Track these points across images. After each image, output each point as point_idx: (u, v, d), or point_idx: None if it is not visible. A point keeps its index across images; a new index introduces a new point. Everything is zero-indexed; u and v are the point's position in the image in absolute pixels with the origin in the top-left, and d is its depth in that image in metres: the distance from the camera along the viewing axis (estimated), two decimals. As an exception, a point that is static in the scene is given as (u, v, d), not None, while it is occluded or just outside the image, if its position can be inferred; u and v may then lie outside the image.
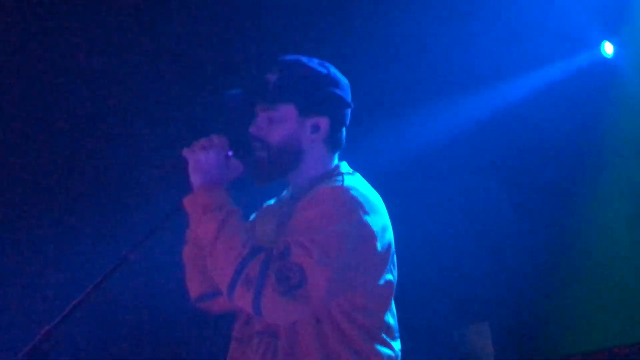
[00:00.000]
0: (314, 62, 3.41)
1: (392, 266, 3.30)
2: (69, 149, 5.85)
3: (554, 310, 6.66)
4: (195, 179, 3.27)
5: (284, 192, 3.54)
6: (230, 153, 3.33)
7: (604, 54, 6.52)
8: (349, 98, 3.45)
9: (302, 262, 3.06)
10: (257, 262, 3.08)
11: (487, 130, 6.62)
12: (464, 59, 6.41)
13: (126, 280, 5.21)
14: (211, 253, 3.16)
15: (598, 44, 6.54)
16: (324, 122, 3.38)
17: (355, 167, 3.49)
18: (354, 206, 3.18)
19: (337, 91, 3.41)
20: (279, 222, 3.36)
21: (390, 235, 3.29)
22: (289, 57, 3.41)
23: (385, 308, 3.27)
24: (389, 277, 3.28)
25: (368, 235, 3.18)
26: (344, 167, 3.44)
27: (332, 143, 3.43)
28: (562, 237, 6.73)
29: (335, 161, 3.44)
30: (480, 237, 6.84)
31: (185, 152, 3.31)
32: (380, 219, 3.24)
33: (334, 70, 3.45)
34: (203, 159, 3.27)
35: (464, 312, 6.73)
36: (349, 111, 3.48)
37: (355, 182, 3.30)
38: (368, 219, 3.18)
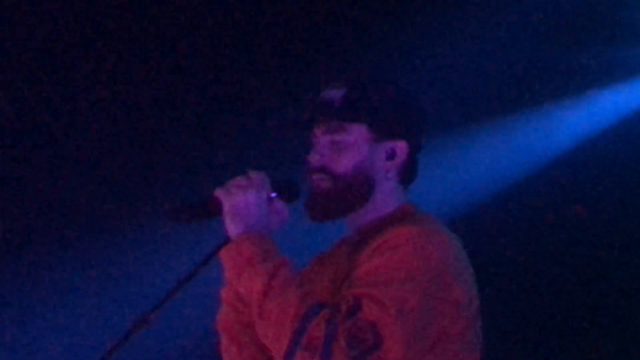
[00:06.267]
0: (383, 76, 2.96)
1: (478, 326, 2.84)
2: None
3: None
4: (232, 226, 2.77)
5: (340, 240, 3.03)
6: (273, 195, 2.83)
7: None
8: (427, 118, 2.97)
9: (376, 321, 2.60)
10: (320, 322, 2.60)
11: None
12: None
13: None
14: (260, 314, 2.67)
15: None
16: (401, 147, 2.88)
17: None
18: (439, 254, 2.73)
19: (416, 109, 2.93)
20: (334, 276, 2.88)
21: (475, 290, 2.83)
22: (357, 70, 2.93)
23: None
24: (475, 338, 2.82)
25: (454, 292, 2.74)
26: (414, 205, 2.94)
27: (406, 174, 2.91)
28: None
29: (405, 198, 2.94)
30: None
31: (219, 193, 2.80)
32: (466, 270, 2.80)
33: (405, 87, 2.94)
34: (241, 201, 2.77)
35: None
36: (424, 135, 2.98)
37: (437, 225, 2.83)
38: (454, 271, 2.75)
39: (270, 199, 2.82)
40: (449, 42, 6.00)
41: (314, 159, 2.84)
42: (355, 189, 2.83)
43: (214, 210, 2.79)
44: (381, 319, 2.60)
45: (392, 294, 2.63)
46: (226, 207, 2.78)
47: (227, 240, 2.78)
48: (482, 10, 5.98)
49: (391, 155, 2.86)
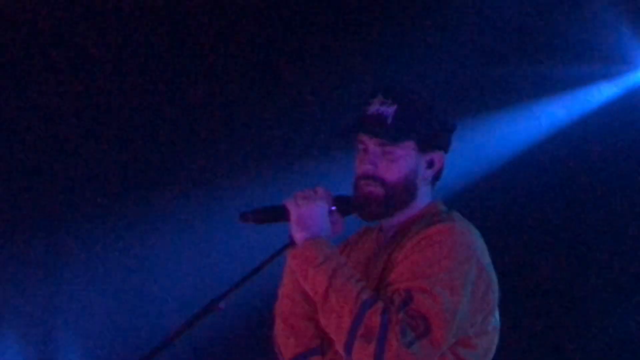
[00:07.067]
0: (421, 89, 3.23)
1: (496, 311, 3.16)
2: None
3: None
4: (298, 232, 3.12)
5: (362, 230, 3.35)
6: (333, 208, 3.18)
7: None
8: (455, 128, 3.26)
9: (426, 311, 2.95)
10: (375, 312, 2.94)
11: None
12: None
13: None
14: (323, 308, 3.02)
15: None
16: (438, 157, 3.21)
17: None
18: (473, 247, 3.08)
19: (451, 122, 3.24)
20: (366, 265, 3.21)
21: (496, 277, 3.15)
22: (399, 86, 3.18)
23: (490, 355, 3.15)
24: (495, 323, 3.15)
25: (486, 278, 3.08)
26: (440, 202, 3.25)
27: (437, 178, 3.25)
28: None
29: (432, 196, 3.26)
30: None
31: (288, 203, 3.16)
32: (489, 259, 3.13)
33: (439, 100, 3.25)
34: (307, 211, 3.13)
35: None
36: None
37: (465, 221, 3.16)
38: (485, 260, 3.10)
39: (330, 211, 3.17)
40: (398, 55, 6.24)
41: (366, 167, 3.15)
42: (403, 195, 3.16)
43: (282, 216, 3.16)
44: (431, 309, 2.94)
45: (440, 285, 2.97)
46: (293, 215, 3.13)
47: (291, 242, 3.15)
48: (427, 25, 6.26)
49: (430, 165, 3.19)
